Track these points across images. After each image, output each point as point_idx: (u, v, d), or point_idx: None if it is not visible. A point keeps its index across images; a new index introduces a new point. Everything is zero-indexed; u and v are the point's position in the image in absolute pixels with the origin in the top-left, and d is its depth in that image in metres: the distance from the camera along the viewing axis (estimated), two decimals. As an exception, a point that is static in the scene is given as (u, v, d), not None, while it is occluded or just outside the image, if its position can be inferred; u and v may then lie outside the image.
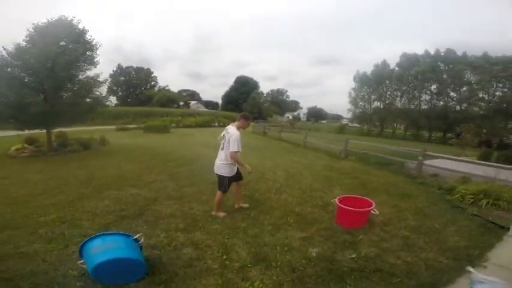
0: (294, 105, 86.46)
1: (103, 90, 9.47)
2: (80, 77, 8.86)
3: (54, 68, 7.68)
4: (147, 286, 2.11)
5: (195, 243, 2.81)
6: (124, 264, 2.08)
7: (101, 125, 23.47)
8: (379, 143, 14.15)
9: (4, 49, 7.43)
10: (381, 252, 2.75)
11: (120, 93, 56.72)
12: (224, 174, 3.48)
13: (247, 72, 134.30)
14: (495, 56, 25.64)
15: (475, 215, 4.02)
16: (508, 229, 3.56)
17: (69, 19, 8.39)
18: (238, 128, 3.59)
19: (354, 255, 2.64)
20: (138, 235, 2.36)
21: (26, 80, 7.75)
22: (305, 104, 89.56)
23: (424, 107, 30.83)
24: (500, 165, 6.59)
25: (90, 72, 8.98)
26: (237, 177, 3.69)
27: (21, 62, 7.54)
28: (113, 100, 57.26)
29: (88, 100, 9.11)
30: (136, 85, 57.78)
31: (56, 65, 7.66)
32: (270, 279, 2.25)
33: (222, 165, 3.48)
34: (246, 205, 4.00)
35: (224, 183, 3.51)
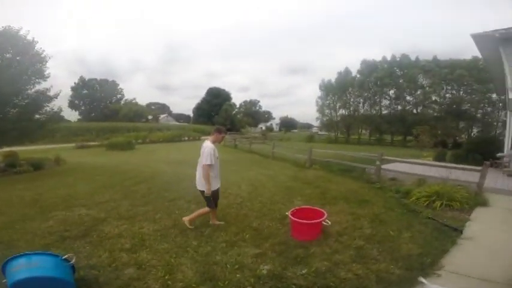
0: (267, 116, 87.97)
1: (55, 105, 8.90)
2: (29, 91, 8.31)
3: None
4: None
5: (138, 263, 2.72)
6: (47, 283, 2.06)
7: (61, 143, 21.95)
8: (342, 150, 14.87)
9: None
10: (332, 266, 2.69)
11: (82, 108, 53.45)
12: (201, 189, 3.53)
13: (219, 83, 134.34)
14: (443, 59, 28.07)
15: (429, 218, 4.08)
16: (461, 231, 3.57)
17: (15, 29, 7.90)
18: (213, 142, 3.60)
19: (304, 271, 2.58)
20: (68, 255, 2.30)
21: None
22: (278, 114, 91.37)
23: (384, 112, 32.80)
24: (451, 165, 7.15)
25: (40, 86, 8.46)
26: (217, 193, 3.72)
27: None
28: (74, 115, 54.14)
29: (38, 116, 8.51)
30: (100, 99, 54.79)
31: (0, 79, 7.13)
32: None
33: (200, 181, 3.53)
34: (221, 222, 3.83)
35: (209, 199, 3.52)
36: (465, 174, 5.88)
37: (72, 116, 53.10)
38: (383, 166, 8.16)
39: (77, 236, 3.41)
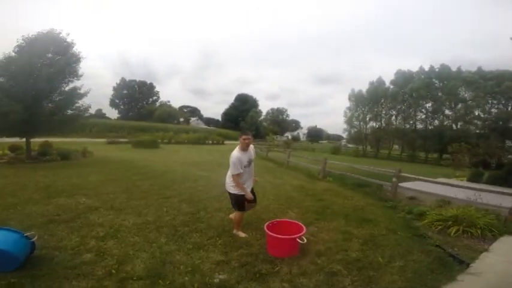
0: (294, 125, 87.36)
1: (85, 102, 9.72)
2: (64, 89, 9.21)
3: (36, 79, 8.04)
4: (16, 276, 2.26)
5: (100, 250, 2.81)
6: None
7: (96, 138, 23.89)
8: (365, 164, 14.09)
9: None
10: (290, 290, 2.43)
11: (122, 107, 57.96)
12: (234, 192, 3.42)
13: (249, 90, 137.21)
14: (489, 70, 25.51)
15: (437, 245, 3.60)
16: (468, 265, 3.06)
17: (56, 32, 8.85)
18: (241, 149, 3.39)
19: None
20: (30, 233, 2.52)
21: (9, 89, 8.04)
22: (307, 124, 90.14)
23: (419, 126, 30.61)
24: (482, 186, 6.46)
25: (73, 84, 9.31)
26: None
27: (8, 72, 7.93)
28: (114, 113, 58.85)
29: (70, 112, 9.36)
30: (138, 99, 59.09)
31: (38, 76, 8.02)
32: None
33: (229, 183, 3.49)
34: (244, 235, 3.56)
35: (235, 201, 3.44)
36: (498, 198, 5.15)
37: (112, 113, 58.02)
38: (403, 184, 7.56)
39: (63, 221, 3.62)
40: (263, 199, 5.89)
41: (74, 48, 9.29)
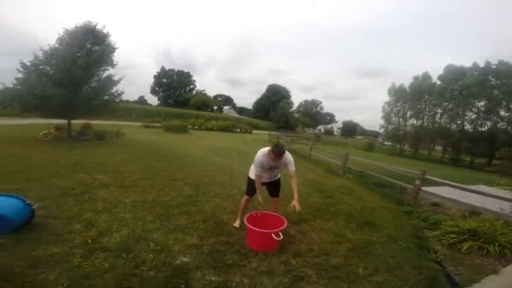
0: (329, 118, 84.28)
1: (119, 88, 10.60)
2: (100, 76, 10.13)
3: (76, 67, 8.96)
4: (5, 237, 2.58)
5: (91, 222, 3.11)
6: None
7: (136, 121, 25.83)
8: (392, 163, 13.17)
9: (41, 49, 8.93)
10: (249, 286, 2.37)
11: (161, 94, 61.60)
12: (249, 176, 3.45)
13: (284, 81, 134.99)
14: None
15: (438, 261, 3.26)
16: None
17: (93, 24, 9.69)
18: (269, 154, 3.14)
19: (214, 278, 2.35)
20: (31, 201, 2.87)
21: (53, 76, 9.06)
22: (343, 117, 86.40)
23: (467, 127, 27.48)
24: None
25: (108, 72, 10.20)
26: (268, 188, 3.56)
27: (52, 61, 8.95)
28: (154, 100, 62.82)
29: (106, 97, 10.27)
30: (176, 87, 62.14)
31: (77, 65, 8.92)
32: (102, 264, 2.35)
33: (250, 170, 3.49)
34: (235, 225, 3.52)
35: (247, 182, 3.48)
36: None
37: (154, 100, 62.00)
38: (429, 188, 6.91)
39: (74, 194, 4.04)
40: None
41: (109, 39, 10.10)
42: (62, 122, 10.72)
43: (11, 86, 8.74)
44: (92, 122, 13.07)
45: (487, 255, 3.46)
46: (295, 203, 3.12)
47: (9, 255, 2.32)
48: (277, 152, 3.08)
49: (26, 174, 4.96)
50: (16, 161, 6.05)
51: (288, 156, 3.24)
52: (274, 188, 3.58)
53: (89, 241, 2.70)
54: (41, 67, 8.94)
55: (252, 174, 3.35)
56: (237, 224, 3.48)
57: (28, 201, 2.84)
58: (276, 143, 3.24)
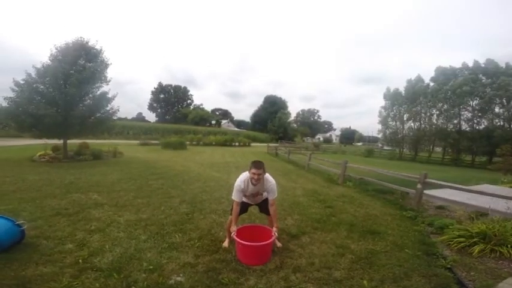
0: (327, 126, 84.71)
1: (115, 104, 10.61)
2: (95, 93, 10.12)
3: (66, 84, 8.99)
4: None
5: (83, 242, 3.02)
6: None
7: (133, 139, 25.85)
8: (392, 167, 13.10)
9: (33, 67, 8.99)
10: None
11: (159, 110, 61.94)
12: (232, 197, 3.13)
13: (284, 92, 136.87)
14: None
15: (448, 267, 3.06)
16: None
17: (85, 40, 9.77)
18: (250, 178, 2.94)
19: None
20: (21, 222, 2.88)
21: (46, 95, 9.05)
22: (341, 125, 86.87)
23: (464, 126, 27.61)
24: None
25: (102, 89, 10.20)
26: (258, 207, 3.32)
27: (45, 79, 8.98)
28: (152, 117, 63.11)
29: (99, 115, 10.24)
30: (173, 103, 62.60)
31: (70, 82, 8.95)
32: (92, 284, 2.28)
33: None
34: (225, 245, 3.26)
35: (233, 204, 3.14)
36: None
37: (152, 117, 62.36)
38: (431, 192, 6.78)
39: (68, 214, 3.97)
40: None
41: (103, 55, 10.18)
42: (59, 142, 10.69)
43: (3, 104, 8.73)
44: (89, 141, 13.05)
45: (501, 258, 3.28)
46: (274, 230, 2.98)
47: (-2, 275, 2.28)
48: (257, 165, 2.88)
49: (20, 195, 4.92)
50: (10, 181, 5.98)
51: (270, 180, 3.04)
52: (263, 206, 3.29)
53: (80, 261, 2.62)
54: (34, 85, 8.95)
55: (235, 195, 3.06)
56: (226, 243, 3.25)
57: (18, 222, 2.79)
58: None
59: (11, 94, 8.66)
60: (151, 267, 2.60)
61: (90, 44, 9.89)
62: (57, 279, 2.30)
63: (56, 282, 2.27)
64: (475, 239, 3.56)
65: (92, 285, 2.27)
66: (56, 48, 9.49)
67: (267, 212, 3.24)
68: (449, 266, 3.09)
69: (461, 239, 3.63)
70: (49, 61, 9.31)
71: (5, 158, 9.81)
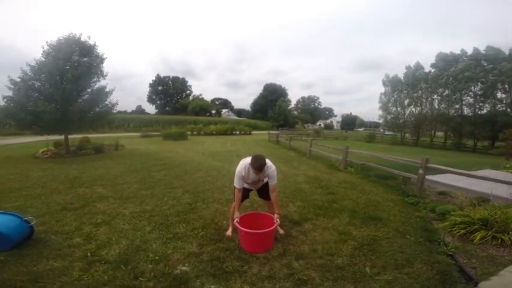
0: (328, 113, 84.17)
1: (114, 99, 10.55)
2: (92, 88, 10.06)
3: (62, 80, 8.93)
4: (5, 254, 2.64)
5: (90, 236, 3.10)
6: None
7: (133, 132, 25.86)
8: (394, 152, 13.09)
9: (28, 64, 8.88)
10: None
11: (158, 102, 61.60)
12: (234, 184, 3.16)
13: (284, 80, 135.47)
14: None
15: (449, 254, 3.06)
16: (476, 284, 2.54)
17: (77, 36, 9.61)
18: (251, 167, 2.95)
19: (213, 287, 2.30)
20: (29, 218, 2.92)
21: (43, 91, 9.00)
22: (342, 111, 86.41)
23: (466, 111, 27.34)
24: None
25: (100, 84, 10.12)
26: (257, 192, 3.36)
27: (41, 76, 8.90)
28: (152, 108, 62.85)
29: (97, 109, 10.20)
30: (172, 94, 62.14)
31: (66, 78, 8.88)
32: (101, 277, 2.33)
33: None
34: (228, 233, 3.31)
35: (235, 191, 3.18)
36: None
37: (152, 109, 62.11)
38: (434, 177, 6.73)
39: (73, 209, 4.04)
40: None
41: (97, 50, 10.04)
42: (60, 138, 10.71)
43: (1, 103, 8.70)
44: (90, 135, 13.08)
45: (502, 245, 3.26)
46: (276, 217, 3.02)
47: (10, 271, 2.37)
48: (257, 167, 2.87)
49: (26, 192, 4.98)
50: (15, 179, 6.05)
51: (270, 166, 3.03)
52: (263, 191, 3.33)
53: (88, 254, 2.69)
54: (30, 83, 8.89)
55: (236, 182, 3.10)
56: (229, 232, 3.30)
57: (26, 218, 2.85)
58: (255, 154, 3.00)
59: (8, 93, 8.60)
60: (157, 257, 2.67)
61: (82, 39, 9.73)
62: (67, 273, 2.38)
63: (66, 276, 2.34)
64: (476, 226, 3.55)
65: (101, 277, 2.33)
66: (49, 45, 9.35)
67: (267, 197, 3.27)
68: (450, 253, 3.09)
69: (463, 226, 3.62)
70: (42, 58, 9.19)
71: (8, 155, 9.88)
